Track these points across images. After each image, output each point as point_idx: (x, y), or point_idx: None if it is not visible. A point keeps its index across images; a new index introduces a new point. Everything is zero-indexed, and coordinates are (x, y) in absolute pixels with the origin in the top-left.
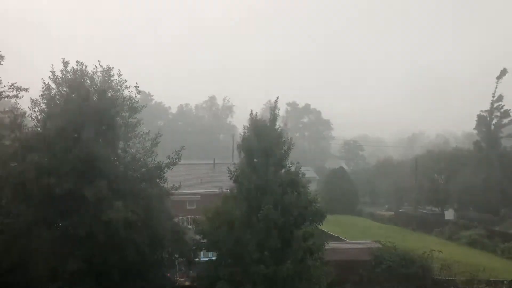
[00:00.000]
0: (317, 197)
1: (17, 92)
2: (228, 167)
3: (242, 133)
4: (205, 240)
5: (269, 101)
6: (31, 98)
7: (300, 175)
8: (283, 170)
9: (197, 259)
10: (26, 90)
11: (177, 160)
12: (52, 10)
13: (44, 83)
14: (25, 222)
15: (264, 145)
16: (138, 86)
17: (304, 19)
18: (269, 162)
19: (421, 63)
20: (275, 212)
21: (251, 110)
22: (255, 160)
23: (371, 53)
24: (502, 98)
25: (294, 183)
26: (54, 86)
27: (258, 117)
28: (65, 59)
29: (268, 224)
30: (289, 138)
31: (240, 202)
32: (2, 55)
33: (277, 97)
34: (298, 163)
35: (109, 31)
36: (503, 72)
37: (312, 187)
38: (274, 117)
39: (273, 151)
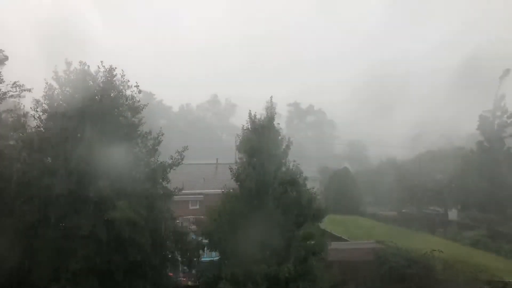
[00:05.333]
0: (316, 195)
1: (20, 91)
2: (230, 166)
3: (241, 133)
4: (207, 240)
5: (270, 100)
6: (34, 98)
7: (299, 174)
8: (283, 169)
9: (199, 259)
10: (29, 90)
11: (180, 160)
12: (55, 7)
13: (46, 83)
14: (29, 221)
15: (264, 144)
16: (138, 86)
17: (306, 19)
18: (269, 161)
19: (424, 63)
20: (276, 211)
21: (250, 110)
22: (255, 159)
23: (373, 53)
24: (504, 97)
25: (294, 182)
26: (57, 86)
27: (258, 117)
28: (68, 59)
29: (270, 223)
30: (287, 137)
31: (242, 201)
32: (6, 55)
33: (271, 96)
34: (294, 161)
35: (111, 30)
36: (506, 72)
37: (316, 186)
38: (271, 116)
39: (272, 150)
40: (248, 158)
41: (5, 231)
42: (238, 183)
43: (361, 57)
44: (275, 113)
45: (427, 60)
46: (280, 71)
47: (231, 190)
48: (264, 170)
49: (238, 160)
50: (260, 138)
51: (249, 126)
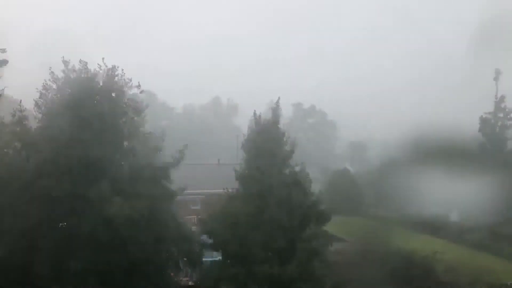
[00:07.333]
0: (321, 197)
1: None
2: (234, 167)
3: (246, 134)
4: (210, 241)
5: (272, 100)
6: (34, 100)
7: (305, 175)
8: (287, 170)
9: (201, 259)
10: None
11: (181, 160)
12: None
13: (45, 83)
14: (29, 222)
15: (268, 145)
16: (140, 86)
17: (306, 18)
18: (273, 162)
19: (425, 62)
20: (280, 213)
21: (255, 111)
22: (259, 160)
23: (373, 53)
24: (504, 99)
25: (299, 183)
26: (55, 86)
27: (262, 117)
28: (65, 58)
29: (273, 224)
30: (293, 138)
31: (245, 202)
32: (6, 59)
33: (279, 97)
34: (302, 163)
35: (112, 28)
36: (497, 72)
37: (316, 188)
38: (276, 117)
39: (277, 151)
40: (252, 159)
41: (7, 232)
42: (242, 184)
43: (360, 54)
44: (280, 115)
45: (428, 59)
46: (280, 71)
47: (232, 190)
48: (268, 172)
49: (241, 161)
50: (265, 139)
51: (254, 127)
